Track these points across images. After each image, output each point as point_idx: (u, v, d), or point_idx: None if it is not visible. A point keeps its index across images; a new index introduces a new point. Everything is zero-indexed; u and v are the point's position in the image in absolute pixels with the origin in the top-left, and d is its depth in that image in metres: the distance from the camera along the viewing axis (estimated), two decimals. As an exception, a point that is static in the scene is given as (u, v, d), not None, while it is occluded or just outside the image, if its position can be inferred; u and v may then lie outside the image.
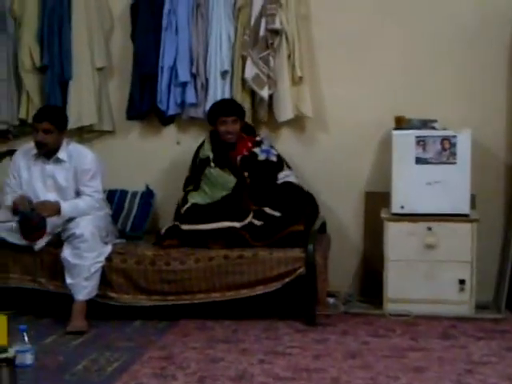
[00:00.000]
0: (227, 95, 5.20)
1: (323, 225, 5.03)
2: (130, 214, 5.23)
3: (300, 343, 4.19)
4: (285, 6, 5.11)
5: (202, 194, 4.89)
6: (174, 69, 5.23)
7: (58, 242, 4.60)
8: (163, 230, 4.84)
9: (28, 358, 3.71)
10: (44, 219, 4.49)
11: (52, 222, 4.56)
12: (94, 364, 3.81)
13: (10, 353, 3.31)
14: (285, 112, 5.15)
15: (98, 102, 5.39)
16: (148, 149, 5.47)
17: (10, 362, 3.28)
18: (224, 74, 5.21)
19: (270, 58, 5.09)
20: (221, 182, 4.86)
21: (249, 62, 5.12)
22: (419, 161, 4.76)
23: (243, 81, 5.17)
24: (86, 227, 4.47)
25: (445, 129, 4.80)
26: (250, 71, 5.11)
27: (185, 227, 4.75)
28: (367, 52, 5.18)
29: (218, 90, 5.21)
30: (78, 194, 4.72)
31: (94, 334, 4.36)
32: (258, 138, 5.04)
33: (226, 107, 4.96)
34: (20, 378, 3.43)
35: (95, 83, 5.38)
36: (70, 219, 4.56)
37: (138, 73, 5.31)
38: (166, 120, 5.41)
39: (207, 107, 5.14)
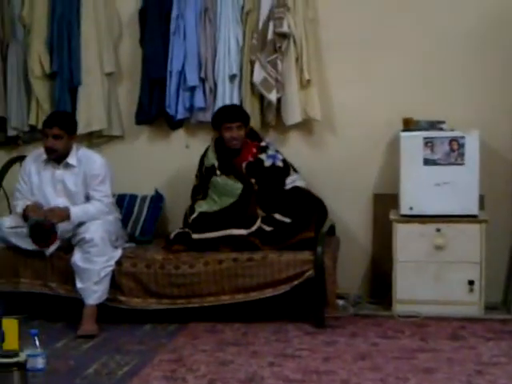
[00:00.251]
0: (236, 99, 5.21)
1: (332, 227, 5.03)
2: (139, 218, 5.24)
3: (309, 345, 4.19)
4: (292, 9, 5.13)
5: (211, 203, 4.88)
6: (182, 73, 5.25)
7: (68, 246, 4.63)
8: (172, 235, 4.84)
9: (39, 362, 3.71)
10: (54, 225, 4.52)
11: (62, 227, 4.58)
12: (105, 368, 3.83)
13: (22, 357, 3.30)
14: (293, 115, 5.16)
15: (107, 107, 5.41)
16: (157, 153, 5.49)
17: (22, 366, 3.28)
18: (232, 77, 5.22)
19: (278, 62, 5.10)
20: (228, 189, 4.85)
21: (257, 66, 5.13)
22: (427, 162, 4.76)
23: (252, 85, 5.18)
24: (96, 232, 4.49)
25: (453, 130, 4.79)
26: (259, 75, 5.11)
27: (195, 236, 4.75)
28: (375, 55, 5.18)
29: (227, 94, 5.22)
30: (87, 198, 4.73)
31: (104, 338, 4.38)
32: (263, 144, 5.00)
33: (231, 113, 4.93)
34: (31, 382, 3.45)
35: (104, 88, 5.41)
36: (80, 224, 4.58)
37: (146, 77, 5.34)
38: (174, 124, 5.42)
39: (216, 111, 5.16)
